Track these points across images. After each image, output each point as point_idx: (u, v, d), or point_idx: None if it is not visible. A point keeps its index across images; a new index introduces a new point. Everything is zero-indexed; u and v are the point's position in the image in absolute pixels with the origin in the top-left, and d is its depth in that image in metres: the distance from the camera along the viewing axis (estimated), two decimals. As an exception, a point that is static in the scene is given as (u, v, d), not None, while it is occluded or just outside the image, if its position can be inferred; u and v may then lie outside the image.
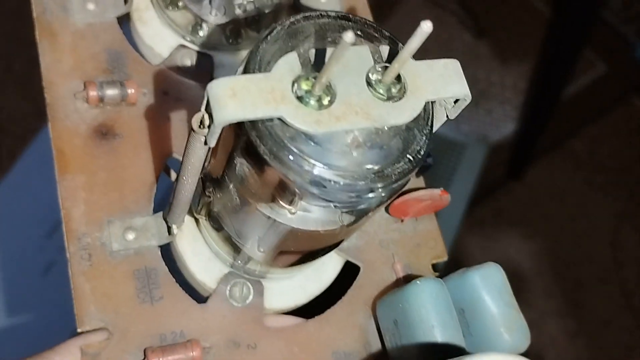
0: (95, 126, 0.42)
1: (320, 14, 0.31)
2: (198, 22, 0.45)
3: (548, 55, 1.34)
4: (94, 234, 0.40)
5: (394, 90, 0.29)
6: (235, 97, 0.27)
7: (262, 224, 0.34)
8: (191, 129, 0.29)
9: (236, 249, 0.39)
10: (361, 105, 0.28)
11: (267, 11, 0.44)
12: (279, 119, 0.27)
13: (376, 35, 0.31)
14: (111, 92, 0.42)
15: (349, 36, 0.25)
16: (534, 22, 1.42)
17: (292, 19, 0.30)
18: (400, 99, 0.29)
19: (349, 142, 0.28)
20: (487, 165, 1.26)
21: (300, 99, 0.28)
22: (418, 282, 0.38)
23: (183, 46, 0.46)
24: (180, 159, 0.42)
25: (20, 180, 0.98)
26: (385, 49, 0.31)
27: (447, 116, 0.32)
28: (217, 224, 0.39)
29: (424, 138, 0.30)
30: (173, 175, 0.47)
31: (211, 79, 0.46)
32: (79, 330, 0.38)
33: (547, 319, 1.25)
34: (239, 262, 0.40)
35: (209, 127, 0.28)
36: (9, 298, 0.90)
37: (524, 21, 1.43)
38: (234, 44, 0.46)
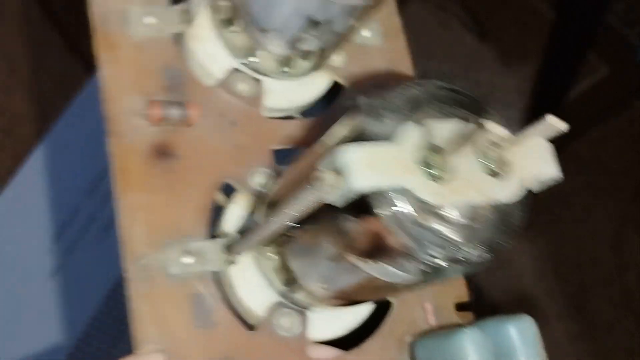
0: (155, 145, 0.43)
1: (432, 84, 0.33)
2: (255, 48, 0.46)
3: (551, 59, 1.35)
4: (153, 256, 0.41)
5: (500, 168, 0.32)
6: (370, 166, 0.29)
7: (340, 270, 0.36)
8: (311, 185, 0.30)
9: (292, 282, 0.41)
10: (475, 180, 0.31)
11: (325, 47, 0.46)
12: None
13: (482, 110, 0.33)
14: (174, 112, 0.43)
15: (488, 125, 0.27)
16: (537, 25, 1.44)
17: (406, 87, 0.32)
18: (505, 177, 0.31)
19: (460, 214, 0.31)
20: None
21: (424, 171, 0.30)
22: (466, 330, 0.40)
23: (236, 69, 0.47)
24: (232, 183, 0.44)
25: (27, 184, 0.99)
26: (491, 126, 0.33)
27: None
28: (283, 259, 0.41)
29: (522, 213, 0.33)
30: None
31: (260, 104, 0.47)
32: (136, 351, 0.39)
33: (550, 321, 1.26)
34: (290, 292, 0.42)
35: (333, 186, 0.29)
36: (16, 300, 0.91)
37: (527, 24, 1.45)
38: (284, 71, 0.47)
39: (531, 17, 1.46)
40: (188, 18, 0.46)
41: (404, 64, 0.53)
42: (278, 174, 0.45)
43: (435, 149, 0.30)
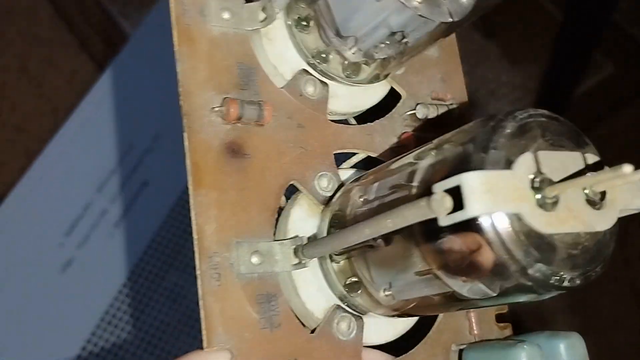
0: (227, 143, 0.43)
1: (540, 113, 0.34)
2: (327, 52, 0.46)
3: (557, 56, 1.36)
4: (223, 254, 0.41)
5: (599, 199, 0.33)
6: (489, 192, 0.30)
7: (419, 283, 0.37)
8: (421, 204, 0.31)
9: (354, 286, 0.42)
10: (578, 210, 0.32)
11: (395, 56, 0.46)
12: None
13: (582, 141, 0.35)
14: (250, 112, 0.43)
15: (628, 169, 0.29)
16: (543, 24, 1.45)
17: (520, 115, 0.33)
18: (602, 207, 0.33)
19: (562, 240, 0.32)
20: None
21: (536, 199, 0.31)
22: (525, 347, 0.41)
23: (305, 71, 0.47)
24: (298, 186, 0.45)
25: (39, 179, 1.00)
26: (589, 157, 0.35)
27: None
28: (351, 263, 0.42)
29: (614, 243, 0.34)
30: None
31: (325, 107, 0.47)
32: (205, 348, 0.39)
33: (556, 316, 1.27)
34: (350, 296, 0.43)
35: (449, 209, 0.30)
36: (28, 294, 0.91)
37: (533, 22, 1.46)
38: (350, 77, 0.48)
39: (538, 15, 1.47)
40: (263, 16, 0.45)
41: (457, 76, 0.54)
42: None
43: (545, 179, 0.31)
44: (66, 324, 0.90)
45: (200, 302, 0.40)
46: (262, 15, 0.45)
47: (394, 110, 0.51)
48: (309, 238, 0.44)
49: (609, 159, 1.09)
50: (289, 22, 0.47)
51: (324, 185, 0.45)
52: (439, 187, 0.30)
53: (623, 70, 1.45)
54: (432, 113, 0.51)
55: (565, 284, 0.32)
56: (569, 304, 1.28)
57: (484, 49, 1.41)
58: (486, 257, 0.32)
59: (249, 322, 0.41)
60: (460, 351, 0.46)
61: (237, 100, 0.43)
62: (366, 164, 0.49)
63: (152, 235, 0.97)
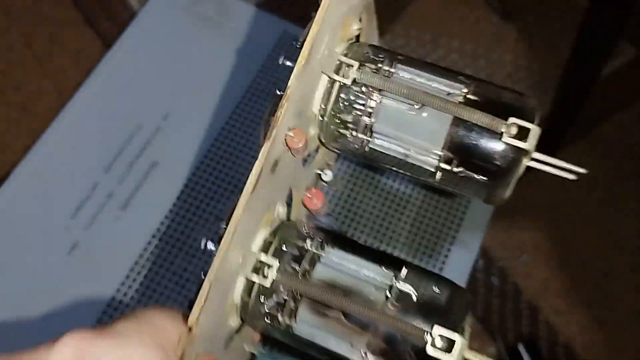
0: (276, 159, 0.48)
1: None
2: (341, 112, 0.52)
3: (578, 41, 1.35)
4: (233, 252, 0.46)
5: None
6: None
7: (334, 344, 0.49)
8: (424, 336, 0.44)
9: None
10: None
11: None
12: None
13: None
14: (304, 151, 0.50)
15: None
16: (562, 6, 1.44)
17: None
18: None
19: None
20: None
21: None
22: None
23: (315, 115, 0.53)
24: (269, 210, 0.52)
25: (43, 160, 0.99)
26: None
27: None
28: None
29: None
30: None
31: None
32: (189, 324, 0.45)
33: (576, 308, 1.26)
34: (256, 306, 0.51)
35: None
36: (33, 277, 0.91)
37: (552, 5, 1.45)
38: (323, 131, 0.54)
39: (558, -2, 1.46)
40: (335, 67, 0.50)
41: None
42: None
43: None
44: (72, 308, 0.89)
45: (206, 283, 0.45)
46: (335, 65, 0.50)
47: (313, 162, 0.58)
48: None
49: (630, 144, 1.08)
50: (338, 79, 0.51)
51: (280, 211, 0.53)
52: (439, 332, 0.43)
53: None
54: (333, 183, 0.61)
55: None
56: (588, 295, 1.28)
57: (501, 31, 1.40)
58: None
59: (212, 304, 0.46)
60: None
61: (306, 138, 0.48)
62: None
63: (161, 218, 0.96)
